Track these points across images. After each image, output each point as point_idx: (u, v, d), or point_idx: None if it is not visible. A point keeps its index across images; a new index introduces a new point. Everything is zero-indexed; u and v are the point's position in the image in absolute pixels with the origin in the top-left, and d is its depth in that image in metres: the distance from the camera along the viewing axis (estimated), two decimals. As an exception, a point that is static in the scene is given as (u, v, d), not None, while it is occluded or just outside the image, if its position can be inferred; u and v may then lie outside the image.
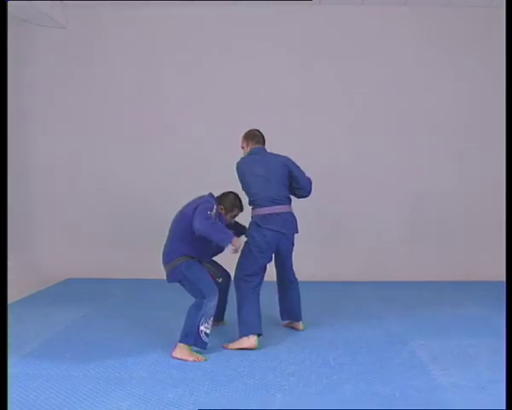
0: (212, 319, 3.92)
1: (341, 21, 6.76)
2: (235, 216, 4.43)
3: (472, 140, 6.77)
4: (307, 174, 6.81)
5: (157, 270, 6.29)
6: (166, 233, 6.66)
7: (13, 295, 5.07)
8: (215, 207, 4.08)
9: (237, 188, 4.38)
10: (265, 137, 6.36)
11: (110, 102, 6.85)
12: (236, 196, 4.38)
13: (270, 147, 6.66)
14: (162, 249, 4.23)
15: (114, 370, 3.62)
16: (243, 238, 4.33)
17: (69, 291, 6.13)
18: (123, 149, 6.86)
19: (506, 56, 4.49)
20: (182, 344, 3.84)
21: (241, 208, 4.41)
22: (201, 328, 3.82)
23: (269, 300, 4.59)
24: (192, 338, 3.83)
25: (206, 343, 3.89)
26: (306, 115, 6.78)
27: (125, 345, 4.12)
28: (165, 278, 4.24)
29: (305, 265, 6.56)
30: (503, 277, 6.20)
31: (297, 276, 4.62)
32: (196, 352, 3.86)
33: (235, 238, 3.95)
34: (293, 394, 3.23)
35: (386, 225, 6.81)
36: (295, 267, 4.63)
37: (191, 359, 3.78)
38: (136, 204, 6.82)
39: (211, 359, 3.82)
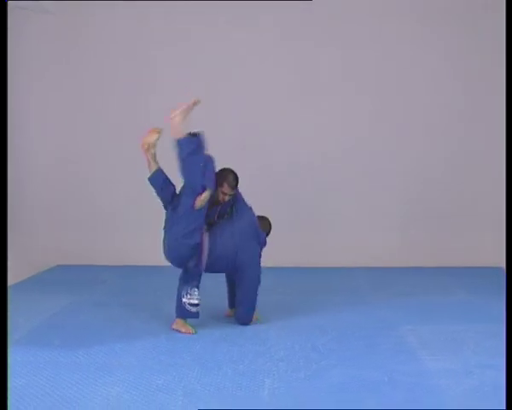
0: (194, 289, 4.07)
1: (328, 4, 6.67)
2: (225, 194, 4.19)
3: (469, 124, 6.70)
4: (302, 163, 6.84)
5: (147, 256, 6.35)
6: (157, 220, 6.70)
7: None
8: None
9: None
10: (259, 128, 6.45)
11: (102, 90, 6.76)
12: (232, 172, 4.22)
13: (264, 138, 6.68)
14: None
15: (103, 356, 3.62)
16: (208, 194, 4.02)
17: (58, 278, 6.12)
18: (113, 135, 6.77)
19: (506, 56, 4.49)
20: (177, 318, 4.11)
21: (231, 185, 4.18)
22: (184, 300, 4.06)
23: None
24: (179, 311, 4.10)
25: (194, 313, 4.10)
26: (297, 105, 6.72)
27: (114, 331, 4.12)
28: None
29: (295, 251, 6.61)
30: (497, 262, 6.27)
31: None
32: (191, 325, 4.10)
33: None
34: (282, 379, 3.24)
35: (377, 210, 6.79)
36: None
37: (183, 330, 4.05)
38: (126, 190, 6.78)
39: (200, 345, 3.83)
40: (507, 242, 4.34)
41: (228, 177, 4.19)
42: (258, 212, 4.53)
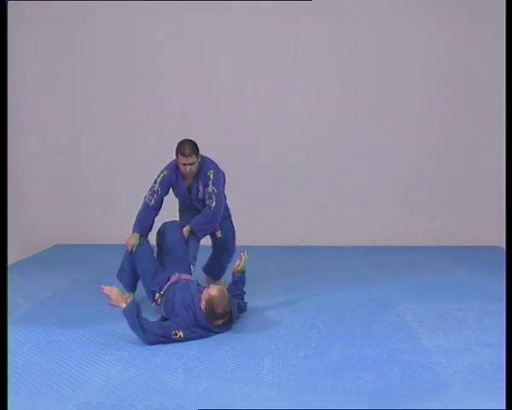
0: None
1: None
2: (184, 164, 4.20)
3: (471, 103, 6.65)
4: (301, 142, 6.79)
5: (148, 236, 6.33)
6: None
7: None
8: (163, 172, 4.35)
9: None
10: (256, 104, 6.39)
11: (99, 73, 6.69)
12: (185, 140, 4.23)
13: (262, 117, 6.65)
14: None
15: (103, 335, 3.65)
16: (135, 237, 4.26)
17: (58, 257, 6.12)
18: (112, 116, 6.75)
19: (506, 55, 4.45)
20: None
21: (183, 154, 4.16)
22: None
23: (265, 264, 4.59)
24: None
25: None
26: (296, 85, 6.65)
27: (114, 311, 4.08)
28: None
29: (293, 229, 6.62)
30: (496, 242, 6.28)
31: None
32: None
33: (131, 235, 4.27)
34: (282, 357, 3.26)
35: (375, 189, 6.77)
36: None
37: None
38: (125, 169, 6.76)
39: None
40: (507, 221, 4.33)
41: (179, 146, 4.21)
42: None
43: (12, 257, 5.75)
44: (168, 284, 3.94)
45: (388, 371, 3.05)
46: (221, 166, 4.47)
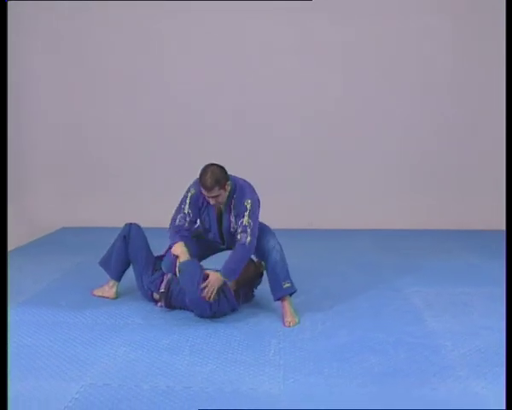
0: None
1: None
2: (208, 197, 3.58)
3: (471, 87, 6.60)
4: (305, 126, 6.72)
5: (151, 218, 6.35)
6: (161, 183, 6.72)
7: (8, 244, 5.06)
8: (191, 190, 3.73)
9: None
10: (257, 84, 6.32)
11: (100, 66, 6.70)
12: (205, 170, 3.52)
13: (265, 101, 6.62)
14: None
15: (110, 317, 3.66)
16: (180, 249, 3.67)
17: (64, 240, 6.13)
18: (120, 96, 6.73)
19: (506, 55, 4.40)
20: None
21: (204, 187, 3.51)
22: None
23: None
24: None
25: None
26: (295, 62, 6.61)
27: (120, 292, 4.13)
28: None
29: (301, 213, 6.60)
30: (501, 226, 6.24)
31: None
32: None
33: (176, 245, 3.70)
34: (288, 339, 3.27)
35: (383, 172, 6.74)
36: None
37: None
38: (132, 152, 6.77)
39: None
40: (507, 204, 4.29)
41: (201, 175, 3.54)
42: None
43: (18, 240, 5.77)
44: (165, 280, 3.74)
45: (395, 354, 3.05)
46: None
